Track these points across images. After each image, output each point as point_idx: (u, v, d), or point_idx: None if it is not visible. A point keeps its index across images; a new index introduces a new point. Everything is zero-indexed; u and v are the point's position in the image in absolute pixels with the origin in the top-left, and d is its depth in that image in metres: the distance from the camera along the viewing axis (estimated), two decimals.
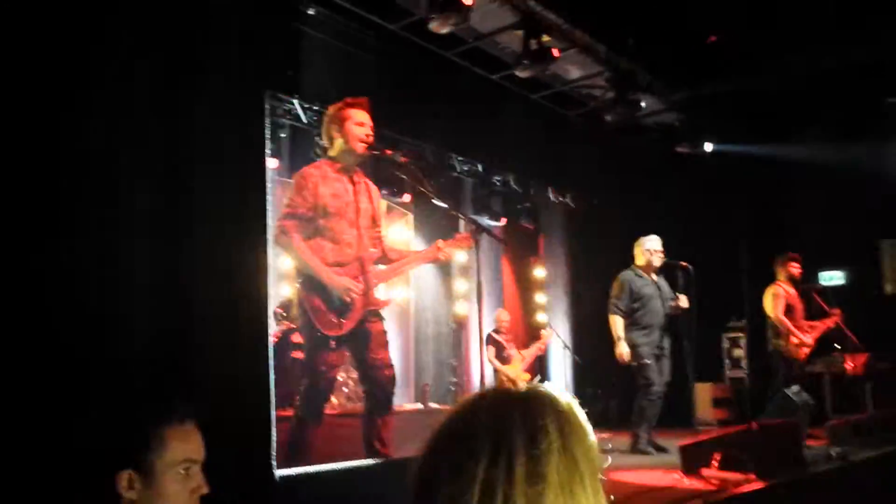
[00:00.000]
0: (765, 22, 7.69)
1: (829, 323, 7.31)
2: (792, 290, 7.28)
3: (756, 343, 7.71)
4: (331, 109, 4.11)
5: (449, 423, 1.02)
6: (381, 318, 4.04)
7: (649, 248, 6.53)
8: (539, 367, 8.81)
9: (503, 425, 0.96)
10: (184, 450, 1.67)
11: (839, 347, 7.90)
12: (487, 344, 8.09)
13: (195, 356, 2.33)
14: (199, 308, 2.36)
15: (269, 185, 3.51)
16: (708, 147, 9.16)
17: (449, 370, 8.53)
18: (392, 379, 3.94)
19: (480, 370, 4.31)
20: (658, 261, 6.51)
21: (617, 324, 6.36)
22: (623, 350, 6.30)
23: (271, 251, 3.45)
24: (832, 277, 8.99)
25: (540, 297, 9.89)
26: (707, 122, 9.19)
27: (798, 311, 7.25)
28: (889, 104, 8.49)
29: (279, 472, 2.73)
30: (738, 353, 9.65)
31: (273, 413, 2.83)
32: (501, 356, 8.11)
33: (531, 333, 9.41)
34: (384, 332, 4.02)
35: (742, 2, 7.53)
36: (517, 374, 7.99)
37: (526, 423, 0.96)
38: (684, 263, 6.53)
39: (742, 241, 9.45)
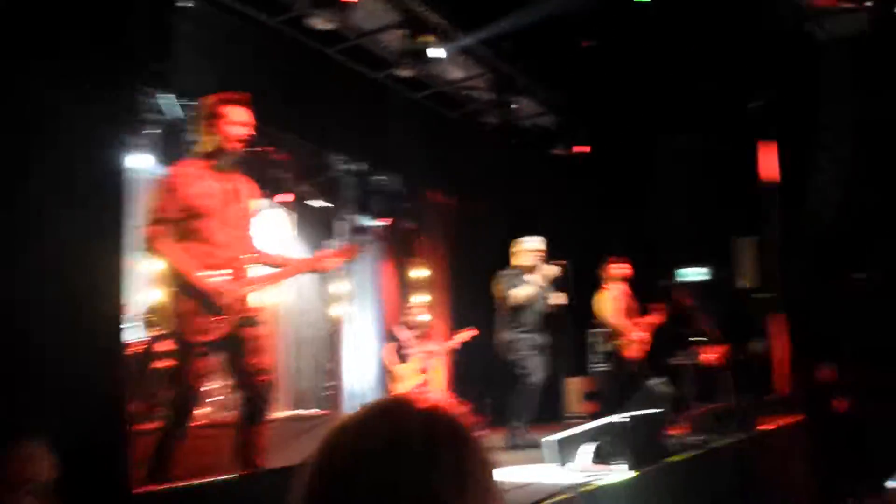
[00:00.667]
0: (638, 29, 8.03)
1: (656, 319, 7.56)
2: (620, 292, 7.50)
3: None
4: (205, 103, 3.87)
5: (343, 437, 0.96)
6: (256, 324, 3.93)
7: (532, 249, 6.60)
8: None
9: (401, 445, 0.92)
10: (29, 470, 1.60)
11: (700, 340, 8.35)
12: (388, 340, 8.01)
13: (42, 371, 2.21)
14: (42, 319, 2.23)
15: (134, 182, 3.34)
16: (582, 149, 9.45)
17: (324, 374, 8.34)
18: (269, 385, 3.85)
19: (367, 374, 4.27)
20: (540, 261, 6.61)
21: (518, 294, 6.42)
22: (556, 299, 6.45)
23: (139, 255, 3.30)
24: (689, 274, 9.48)
25: (419, 298, 9.87)
26: (581, 125, 9.50)
27: (631, 310, 7.48)
28: (752, 108, 9.02)
29: (140, 490, 2.62)
30: (604, 347, 10.00)
31: (128, 427, 2.72)
32: (399, 353, 8.00)
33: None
34: (260, 338, 3.92)
35: (619, 9, 7.81)
36: (410, 373, 7.88)
37: (426, 444, 0.94)
38: (562, 262, 6.72)
39: (613, 240, 9.86)
